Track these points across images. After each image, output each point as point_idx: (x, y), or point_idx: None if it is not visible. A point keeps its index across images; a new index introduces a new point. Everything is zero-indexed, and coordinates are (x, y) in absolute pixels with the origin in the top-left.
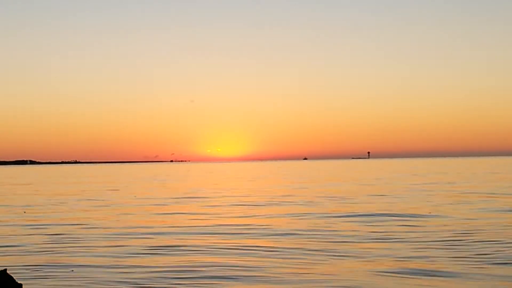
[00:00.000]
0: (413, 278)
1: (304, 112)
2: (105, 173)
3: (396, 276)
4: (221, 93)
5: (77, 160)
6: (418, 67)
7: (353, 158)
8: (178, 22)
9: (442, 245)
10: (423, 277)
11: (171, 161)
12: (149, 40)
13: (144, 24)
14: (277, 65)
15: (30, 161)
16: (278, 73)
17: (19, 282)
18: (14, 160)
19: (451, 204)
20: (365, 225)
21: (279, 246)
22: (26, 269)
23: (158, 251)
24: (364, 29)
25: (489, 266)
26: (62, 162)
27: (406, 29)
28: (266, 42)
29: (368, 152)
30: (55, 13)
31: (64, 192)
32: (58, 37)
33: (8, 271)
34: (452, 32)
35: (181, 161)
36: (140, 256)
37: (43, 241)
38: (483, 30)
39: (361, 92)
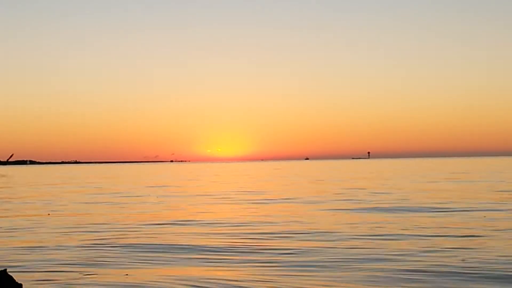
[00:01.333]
0: None
1: (305, 112)
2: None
3: None
4: (222, 93)
5: (77, 160)
6: (418, 67)
7: (353, 158)
8: (178, 22)
9: None
10: None
11: (171, 161)
12: (149, 40)
13: (144, 24)
14: (277, 65)
15: (30, 161)
16: (278, 73)
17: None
18: (13, 160)
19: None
20: None
21: None
22: None
23: None
24: (364, 29)
25: None
26: (62, 162)
27: (406, 29)
28: (266, 42)
29: (368, 152)
30: (55, 13)
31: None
32: (58, 37)
33: (8, 271)
34: (452, 32)
35: (181, 161)
36: None
37: None
38: (483, 30)
39: (361, 92)
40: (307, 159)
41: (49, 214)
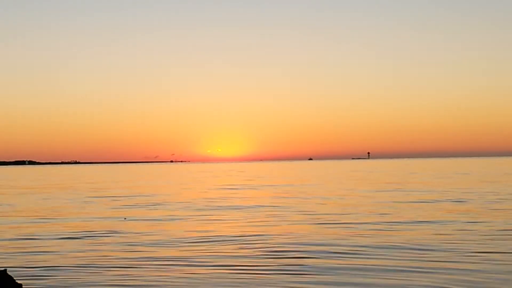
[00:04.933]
0: None
1: (307, 112)
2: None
3: None
4: (222, 93)
5: (77, 161)
6: (418, 67)
7: (353, 158)
8: (179, 24)
9: None
10: None
11: (171, 161)
12: (150, 41)
13: (145, 26)
14: (279, 66)
15: (29, 161)
16: (279, 73)
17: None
18: (12, 160)
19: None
20: None
21: None
22: None
23: None
24: (365, 29)
25: None
26: (62, 163)
27: (406, 29)
28: (268, 41)
29: (368, 153)
30: (55, 14)
31: None
32: (58, 38)
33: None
34: (452, 32)
35: (181, 161)
36: None
37: None
38: (484, 30)
39: (361, 92)
40: (310, 159)
41: (125, 219)
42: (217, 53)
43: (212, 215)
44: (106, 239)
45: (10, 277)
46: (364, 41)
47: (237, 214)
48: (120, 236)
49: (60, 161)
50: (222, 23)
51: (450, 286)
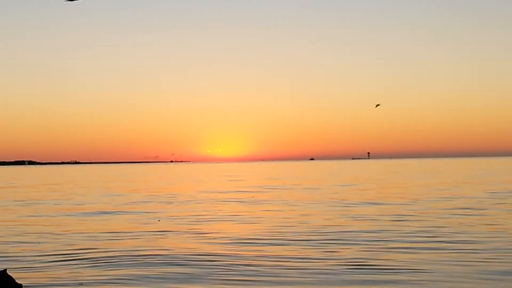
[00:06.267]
0: None
1: (308, 112)
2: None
3: None
4: (223, 93)
5: (77, 161)
6: (418, 67)
7: (353, 158)
8: (177, 23)
9: None
10: None
11: (171, 161)
12: (150, 41)
13: (145, 26)
14: (280, 65)
15: (29, 161)
16: (281, 72)
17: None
18: (12, 160)
19: None
20: None
21: None
22: None
23: None
24: (365, 29)
25: None
26: (62, 163)
27: (406, 29)
28: (268, 41)
29: (368, 153)
30: (55, 14)
31: None
32: (58, 38)
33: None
34: (452, 32)
35: (181, 161)
36: None
37: None
38: (484, 30)
39: (361, 92)
40: (312, 159)
41: (159, 221)
42: (217, 53)
43: None
44: None
45: (10, 277)
46: (364, 41)
47: None
48: None
49: (60, 161)
50: (222, 23)
51: None
